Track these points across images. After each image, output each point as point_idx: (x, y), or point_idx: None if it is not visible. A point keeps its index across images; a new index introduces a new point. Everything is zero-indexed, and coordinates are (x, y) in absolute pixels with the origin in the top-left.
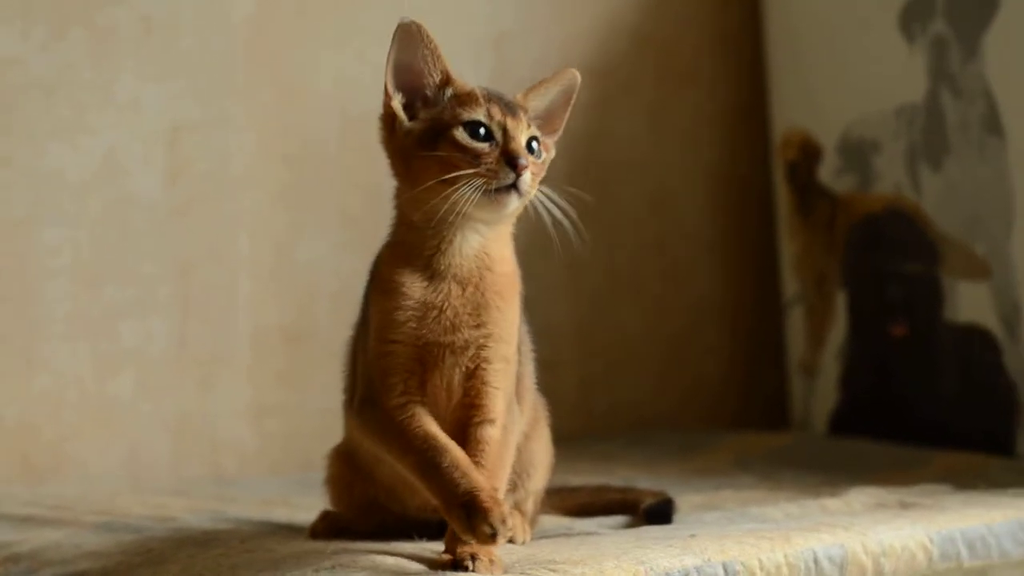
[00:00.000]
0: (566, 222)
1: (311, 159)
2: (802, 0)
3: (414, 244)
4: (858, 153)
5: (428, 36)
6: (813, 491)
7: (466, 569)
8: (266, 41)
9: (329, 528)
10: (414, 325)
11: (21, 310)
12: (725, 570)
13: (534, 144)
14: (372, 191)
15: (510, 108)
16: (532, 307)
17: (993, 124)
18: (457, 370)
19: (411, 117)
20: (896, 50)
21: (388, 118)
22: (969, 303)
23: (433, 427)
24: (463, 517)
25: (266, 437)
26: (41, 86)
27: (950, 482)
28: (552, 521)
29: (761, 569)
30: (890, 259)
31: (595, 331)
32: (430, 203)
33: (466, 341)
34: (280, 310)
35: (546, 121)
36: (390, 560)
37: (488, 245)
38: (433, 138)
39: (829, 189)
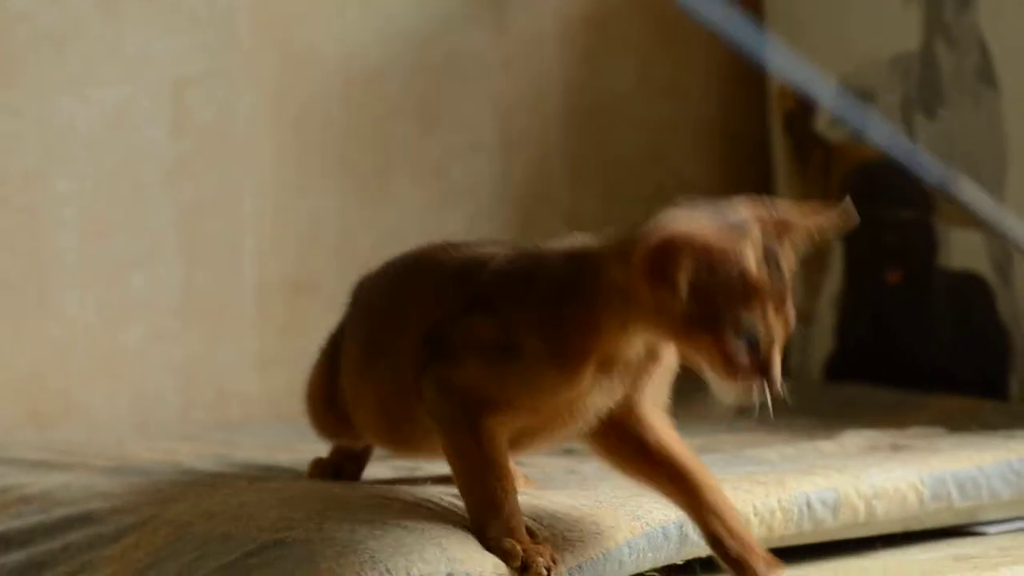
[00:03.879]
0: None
1: (314, 115)
2: None
3: (616, 341)
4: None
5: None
6: (809, 434)
7: None
8: None
9: (325, 472)
10: (579, 402)
11: (31, 260)
12: None
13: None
14: (372, 147)
15: (783, 299)
16: None
17: (987, 74)
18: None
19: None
20: (891, 1)
21: (659, 269)
22: (963, 250)
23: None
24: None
25: (271, 386)
26: (50, 39)
27: (943, 425)
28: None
29: (755, 515)
30: (885, 207)
31: None
32: (658, 334)
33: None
34: (284, 262)
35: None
36: (398, 503)
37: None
38: (699, 320)
39: (825, 138)
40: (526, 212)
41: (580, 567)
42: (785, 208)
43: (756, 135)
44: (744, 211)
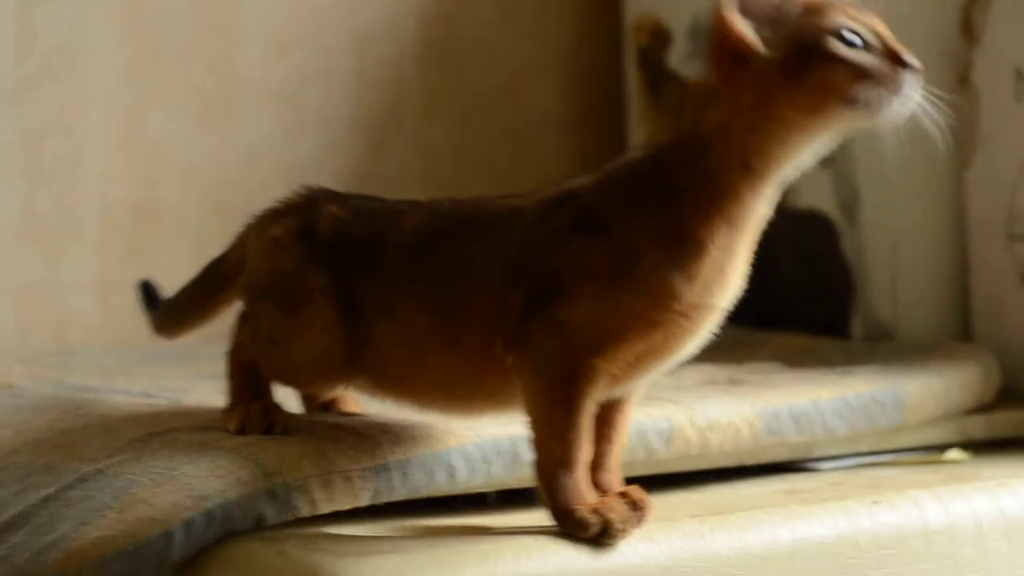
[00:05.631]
0: (937, 126)
1: (162, 36)
2: None
3: (739, 191)
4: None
5: None
6: None
7: None
8: None
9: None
10: (704, 290)
11: None
12: None
13: None
14: (222, 70)
15: (859, 6)
16: (385, 190)
17: None
18: (695, 346)
19: None
20: None
21: (725, 51)
22: (810, 189)
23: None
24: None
25: (112, 311)
26: None
27: (782, 361)
28: None
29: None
30: None
31: None
32: (785, 138)
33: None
34: (129, 184)
35: None
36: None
37: None
38: (801, 62)
39: (678, 74)
40: (378, 142)
41: (409, 461)
42: None
43: (611, 70)
44: None
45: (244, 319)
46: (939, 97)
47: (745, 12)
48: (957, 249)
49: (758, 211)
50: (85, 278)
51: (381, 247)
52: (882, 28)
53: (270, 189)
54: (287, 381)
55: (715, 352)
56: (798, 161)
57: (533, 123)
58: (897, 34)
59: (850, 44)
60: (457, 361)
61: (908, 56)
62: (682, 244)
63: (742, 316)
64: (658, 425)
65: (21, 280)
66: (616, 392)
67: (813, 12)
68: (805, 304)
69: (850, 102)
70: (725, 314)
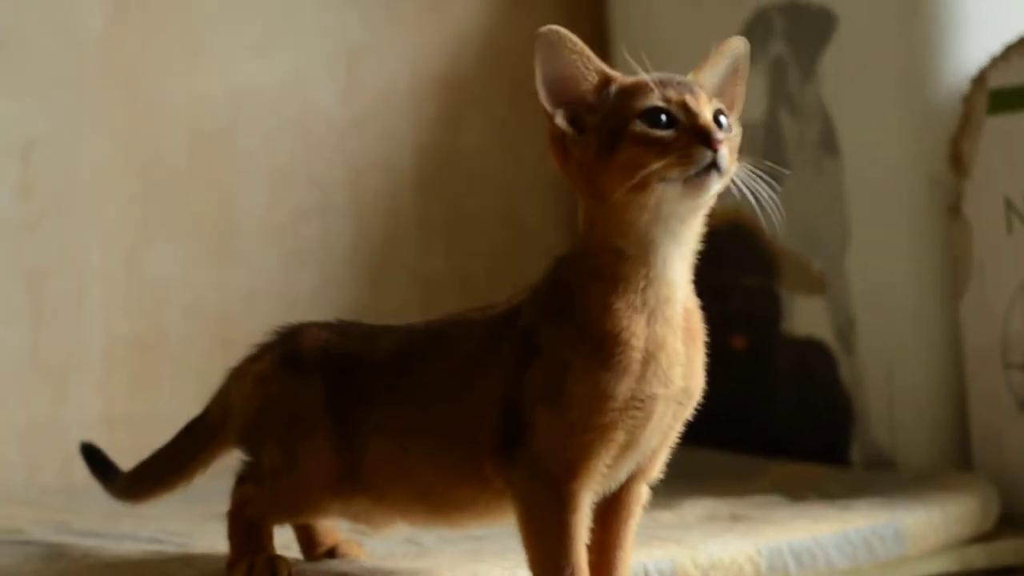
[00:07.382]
0: (770, 199)
1: (162, 173)
2: (648, 27)
3: (626, 276)
4: None
5: (572, 40)
6: (649, 503)
7: None
8: (118, 57)
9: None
10: (639, 383)
11: None
12: None
13: (721, 118)
14: (222, 206)
15: (684, 86)
16: (388, 322)
17: (829, 144)
18: (658, 435)
19: (581, 130)
20: None
21: (556, 140)
22: (806, 317)
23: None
24: None
25: (117, 447)
26: None
27: (783, 493)
28: (402, 532)
29: None
30: (731, 273)
31: None
32: (629, 218)
33: (677, 394)
34: (131, 321)
35: (720, 99)
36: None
37: (686, 268)
38: (612, 143)
39: None
40: (377, 274)
41: None
42: None
43: None
44: None
45: (241, 480)
46: (763, 170)
47: (564, 99)
48: (954, 376)
49: (664, 295)
50: (90, 415)
51: (362, 367)
52: (697, 104)
53: (272, 323)
54: (296, 510)
55: (717, 481)
56: (668, 237)
57: (531, 249)
58: (887, 165)
59: (657, 123)
60: (433, 472)
61: (709, 131)
62: (599, 341)
63: (743, 442)
64: (661, 566)
65: (27, 418)
66: (611, 485)
67: (627, 94)
68: (805, 431)
69: (661, 178)
70: (684, 402)
